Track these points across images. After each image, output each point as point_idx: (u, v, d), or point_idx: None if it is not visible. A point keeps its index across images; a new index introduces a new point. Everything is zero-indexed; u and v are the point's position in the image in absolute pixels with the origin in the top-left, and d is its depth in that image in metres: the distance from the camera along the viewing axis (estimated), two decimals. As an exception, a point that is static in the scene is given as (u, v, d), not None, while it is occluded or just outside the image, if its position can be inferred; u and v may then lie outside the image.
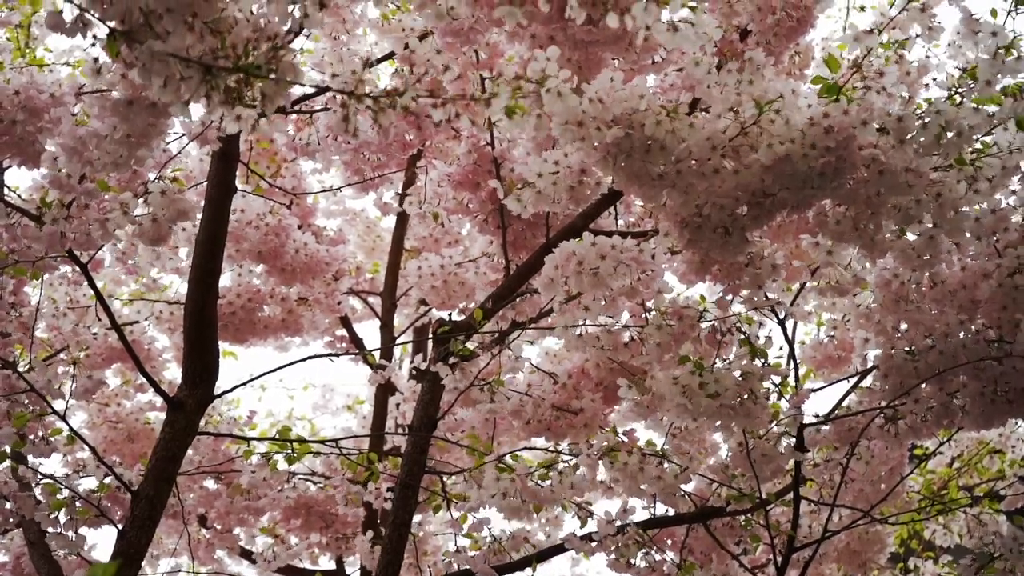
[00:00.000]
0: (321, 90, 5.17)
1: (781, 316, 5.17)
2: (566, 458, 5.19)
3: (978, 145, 4.42)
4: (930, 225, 4.38)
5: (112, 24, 2.69)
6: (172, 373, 6.82)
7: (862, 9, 6.18)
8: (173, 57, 2.65)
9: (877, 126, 4.00)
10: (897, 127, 3.98)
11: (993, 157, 4.28)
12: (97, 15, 2.70)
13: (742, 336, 4.86)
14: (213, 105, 2.78)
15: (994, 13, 4.24)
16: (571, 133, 3.96)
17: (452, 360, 5.11)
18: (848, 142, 3.95)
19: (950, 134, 4.01)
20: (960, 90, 4.20)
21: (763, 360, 4.82)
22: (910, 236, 4.47)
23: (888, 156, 4.02)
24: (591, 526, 5.42)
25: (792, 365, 5.34)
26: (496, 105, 3.24)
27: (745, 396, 4.71)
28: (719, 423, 4.87)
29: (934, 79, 4.41)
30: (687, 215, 4.19)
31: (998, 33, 4.13)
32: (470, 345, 5.16)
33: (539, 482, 5.11)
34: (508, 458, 5.22)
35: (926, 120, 3.99)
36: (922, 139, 4.00)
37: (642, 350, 4.97)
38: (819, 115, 3.95)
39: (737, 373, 4.72)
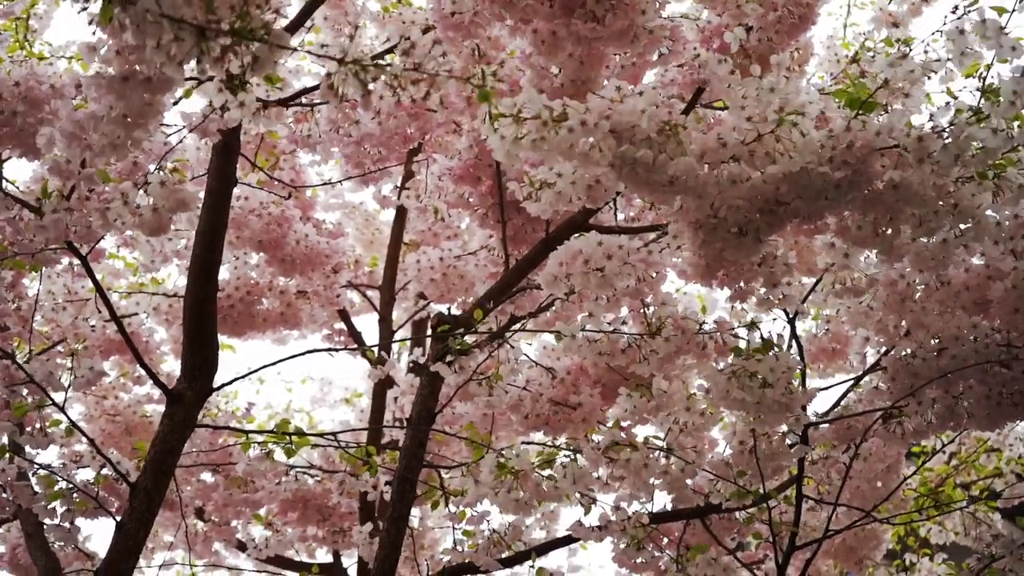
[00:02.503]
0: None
1: (791, 315, 5.17)
2: (566, 453, 5.19)
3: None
4: (948, 233, 4.38)
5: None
6: (170, 366, 6.83)
7: (859, 9, 6.18)
8: (167, 18, 2.65)
9: (895, 143, 3.97)
10: (917, 147, 3.94)
11: (1014, 169, 4.27)
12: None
13: (758, 335, 4.87)
14: (204, 69, 2.79)
15: (1000, 11, 4.23)
16: (563, 158, 3.97)
17: (449, 356, 5.10)
18: (868, 157, 3.93)
19: (968, 154, 3.98)
20: (980, 109, 4.17)
21: (777, 356, 4.83)
22: (924, 239, 4.46)
23: (904, 174, 3.99)
24: (595, 515, 5.41)
25: (800, 362, 5.34)
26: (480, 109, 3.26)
27: (787, 391, 4.73)
28: (761, 417, 4.89)
29: (955, 98, 4.38)
30: (702, 217, 4.18)
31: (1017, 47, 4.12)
32: (469, 339, 5.16)
33: (541, 473, 5.11)
34: (507, 452, 5.22)
35: (947, 140, 3.95)
36: (942, 159, 3.96)
37: (639, 357, 4.98)
38: (841, 129, 3.93)
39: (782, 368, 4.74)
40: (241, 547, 7.13)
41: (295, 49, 3.02)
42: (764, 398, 4.70)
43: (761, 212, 4.13)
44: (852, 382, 5.62)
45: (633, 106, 3.90)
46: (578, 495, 5.21)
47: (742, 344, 4.93)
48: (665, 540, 6.01)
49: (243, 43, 2.78)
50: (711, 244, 4.25)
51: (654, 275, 4.71)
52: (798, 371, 5.27)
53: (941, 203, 4.15)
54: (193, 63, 2.82)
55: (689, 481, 5.32)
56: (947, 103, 4.23)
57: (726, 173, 3.98)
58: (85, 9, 3.02)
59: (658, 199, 4.24)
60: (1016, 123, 4.16)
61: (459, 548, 5.52)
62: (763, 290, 4.66)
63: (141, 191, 4.50)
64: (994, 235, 4.50)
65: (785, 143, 3.95)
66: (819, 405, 6.28)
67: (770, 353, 4.77)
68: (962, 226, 4.34)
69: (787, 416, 4.84)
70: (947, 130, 3.98)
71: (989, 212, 4.40)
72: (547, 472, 5.05)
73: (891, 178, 3.98)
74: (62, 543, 5.20)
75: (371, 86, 3.03)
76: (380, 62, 3.02)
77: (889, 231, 4.24)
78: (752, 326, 4.89)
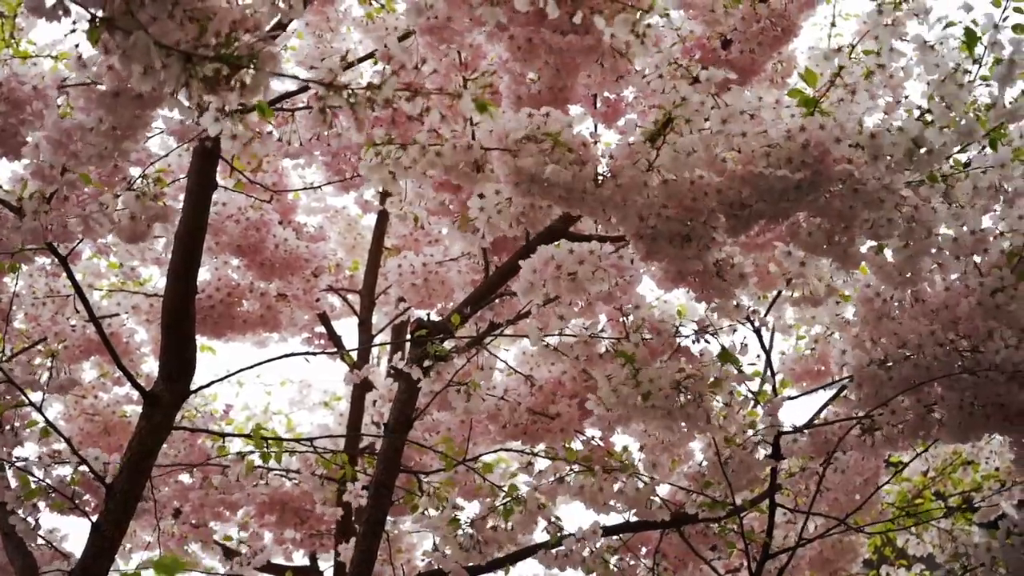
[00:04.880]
0: (303, 88, 5.20)
1: (756, 324, 5.18)
2: (540, 466, 5.20)
3: (950, 164, 4.45)
4: (909, 244, 4.39)
5: (93, 10, 2.70)
6: (150, 366, 6.81)
7: (844, 20, 6.18)
8: (154, 44, 2.65)
9: (851, 143, 3.99)
10: (870, 144, 3.98)
11: (963, 175, 4.30)
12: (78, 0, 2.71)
13: (708, 344, 4.88)
14: (193, 94, 2.79)
15: (968, 47, 4.27)
16: (453, 176, 4.00)
17: (427, 362, 5.10)
18: (824, 156, 3.95)
19: (921, 151, 4.00)
20: (929, 109, 4.21)
21: (736, 368, 4.83)
22: (888, 254, 4.48)
23: (861, 172, 4.02)
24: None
25: (769, 373, 5.35)
26: (465, 102, 3.27)
27: (690, 399, 4.72)
28: (656, 423, 4.90)
29: (906, 97, 4.42)
30: (637, 227, 4.18)
31: (958, 68, 4.17)
32: (447, 345, 5.16)
33: (513, 494, 5.13)
34: (485, 460, 5.23)
35: (895, 138, 3.98)
36: (893, 156, 3.99)
37: (617, 362, 4.98)
38: (797, 127, 3.96)
39: (668, 377, 4.74)
40: (228, 553, 7.13)
41: (284, 76, 3.02)
42: (641, 409, 4.73)
43: (726, 216, 4.14)
44: (832, 395, 5.63)
45: (518, 123, 3.92)
46: (545, 524, 5.22)
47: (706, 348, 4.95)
48: (644, 549, 6.03)
49: (232, 68, 2.79)
50: (655, 254, 4.26)
51: (627, 279, 4.72)
52: (768, 381, 5.29)
53: (898, 212, 4.18)
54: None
55: (664, 493, 5.34)
56: (897, 102, 4.28)
57: (625, 181, 4.01)
58: (73, 31, 3.03)
59: (586, 212, 4.24)
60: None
61: (442, 552, 5.51)
62: (718, 300, 4.67)
63: (120, 200, 4.52)
64: (953, 250, 4.51)
65: (681, 146, 3.97)
66: (801, 417, 6.31)
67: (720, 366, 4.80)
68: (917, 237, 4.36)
69: (708, 426, 4.84)
70: (897, 130, 4.01)
71: (947, 230, 4.44)
72: (511, 488, 5.07)
73: (847, 174, 4.00)
74: (28, 539, 5.19)
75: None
76: (373, 84, 3.03)
77: (844, 239, 4.26)
78: (705, 332, 4.91)
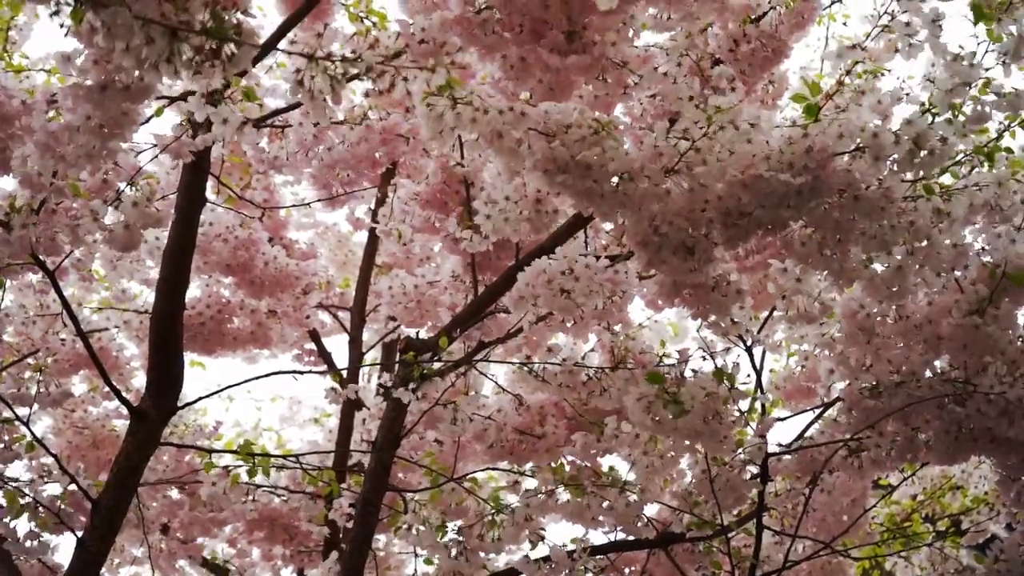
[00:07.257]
0: (293, 105, 5.20)
1: (748, 343, 5.17)
2: (528, 485, 5.19)
3: (948, 178, 4.45)
4: (899, 256, 4.37)
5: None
6: (140, 381, 6.81)
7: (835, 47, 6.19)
8: (138, 20, 2.66)
9: (854, 145, 3.97)
10: (873, 143, 3.94)
11: (961, 192, 4.30)
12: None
13: (706, 362, 4.87)
14: (176, 72, 2.80)
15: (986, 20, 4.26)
16: (496, 146, 3.97)
17: (413, 383, 5.10)
18: (827, 162, 3.93)
19: (923, 153, 3.98)
20: (932, 110, 4.22)
21: (730, 385, 4.82)
22: (877, 267, 4.45)
23: (863, 175, 4.00)
24: (543, 550, 5.37)
25: (759, 393, 5.34)
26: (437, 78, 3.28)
27: (711, 416, 4.71)
28: (686, 442, 4.88)
29: (907, 93, 4.41)
30: (645, 234, 4.16)
31: (962, 56, 4.18)
32: (436, 365, 5.16)
33: (496, 515, 5.12)
34: (472, 478, 5.22)
35: (901, 136, 3.95)
36: (896, 156, 3.97)
37: (599, 389, 4.97)
38: (799, 133, 3.93)
39: (703, 394, 4.72)
40: (208, 566, 7.12)
41: (267, 46, 3.04)
42: (680, 425, 4.71)
43: (724, 226, 4.12)
44: (817, 414, 5.62)
45: (566, 107, 3.90)
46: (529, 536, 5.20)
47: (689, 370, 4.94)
48: (627, 571, 6.01)
49: (216, 43, 2.80)
50: (657, 264, 4.23)
51: (620, 295, 4.71)
52: (756, 402, 5.27)
53: (899, 219, 4.16)
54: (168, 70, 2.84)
55: (652, 512, 5.32)
56: (898, 99, 4.27)
57: (646, 185, 3.99)
58: (57, 13, 3.04)
59: (599, 213, 4.20)
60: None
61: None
62: (714, 316, 4.65)
63: (111, 208, 4.51)
64: (936, 266, 4.49)
65: (712, 154, 3.94)
66: (787, 436, 6.31)
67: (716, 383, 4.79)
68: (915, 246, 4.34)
69: (724, 443, 4.83)
70: (904, 123, 4.00)
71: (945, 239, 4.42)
72: (499, 516, 5.06)
73: (848, 179, 3.99)
74: (29, 558, 5.18)
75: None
76: (349, 56, 3.05)
77: (837, 252, 4.24)
78: (711, 355, 4.90)
